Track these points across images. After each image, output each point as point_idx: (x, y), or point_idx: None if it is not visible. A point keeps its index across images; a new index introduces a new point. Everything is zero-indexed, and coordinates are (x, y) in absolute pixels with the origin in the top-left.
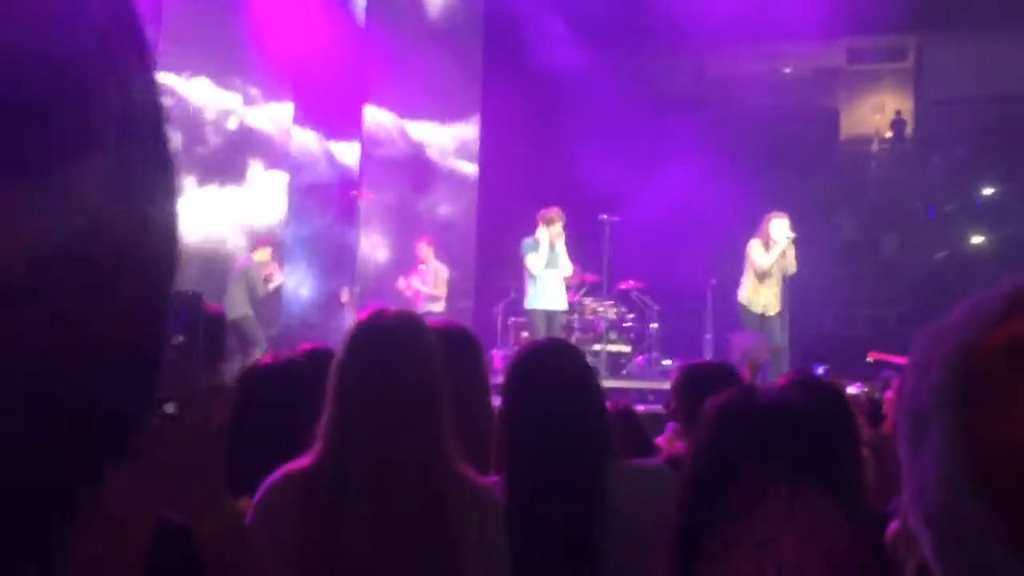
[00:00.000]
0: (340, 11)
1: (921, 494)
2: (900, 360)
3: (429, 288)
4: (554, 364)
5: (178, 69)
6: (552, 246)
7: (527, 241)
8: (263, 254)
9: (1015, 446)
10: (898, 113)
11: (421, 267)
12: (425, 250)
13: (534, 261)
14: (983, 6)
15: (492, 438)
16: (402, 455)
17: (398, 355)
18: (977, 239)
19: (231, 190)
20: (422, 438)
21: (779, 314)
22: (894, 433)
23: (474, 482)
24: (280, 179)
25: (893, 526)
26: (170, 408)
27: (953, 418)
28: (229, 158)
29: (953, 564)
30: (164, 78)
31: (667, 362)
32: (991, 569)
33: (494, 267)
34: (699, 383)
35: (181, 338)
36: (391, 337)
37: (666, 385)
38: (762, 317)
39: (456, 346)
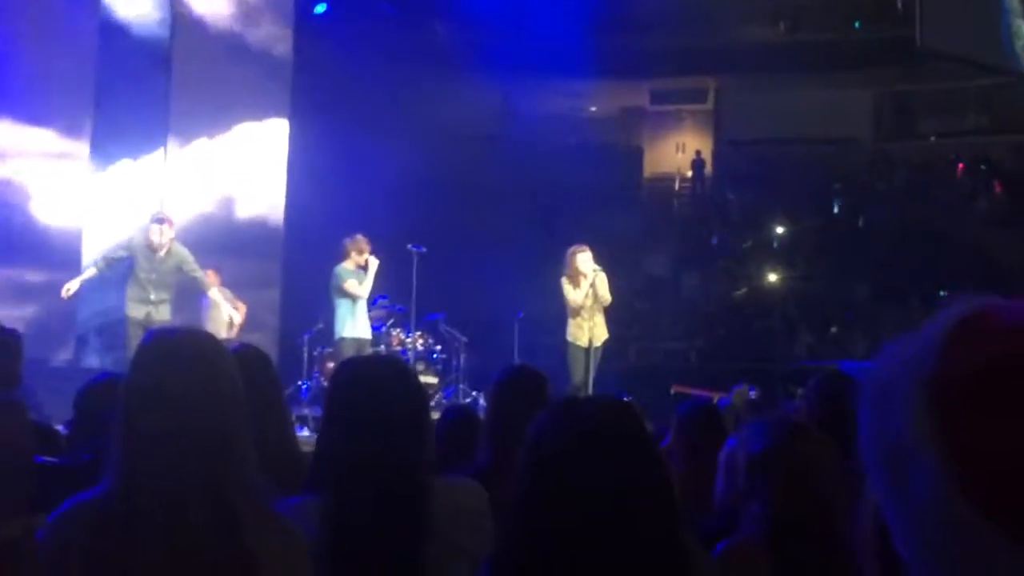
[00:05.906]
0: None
1: (915, 524)
2: (701, 392)
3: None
4: (383, 378)
5: None
6: (364, 272)
7: (341, 268)
8: None
9: (1005, 457)
10: (698, 153)
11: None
12: (213, 278)
13: (354, 286)
14: (776, 53)
15: (295, 463)
16: (193, 483)
17: (186, 374)
18: (772, 276)
19: None
20: (216, 464)
21: (605, 343)
22: (865, 479)
23: (276, 511)
24: None
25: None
26: None
27: (940, 443)
28: None
29: None
30: None
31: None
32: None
33: (300, 296)
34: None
35: None
36: (178, 356)
37: None
38: (588, 351)
39: (256, 369)
